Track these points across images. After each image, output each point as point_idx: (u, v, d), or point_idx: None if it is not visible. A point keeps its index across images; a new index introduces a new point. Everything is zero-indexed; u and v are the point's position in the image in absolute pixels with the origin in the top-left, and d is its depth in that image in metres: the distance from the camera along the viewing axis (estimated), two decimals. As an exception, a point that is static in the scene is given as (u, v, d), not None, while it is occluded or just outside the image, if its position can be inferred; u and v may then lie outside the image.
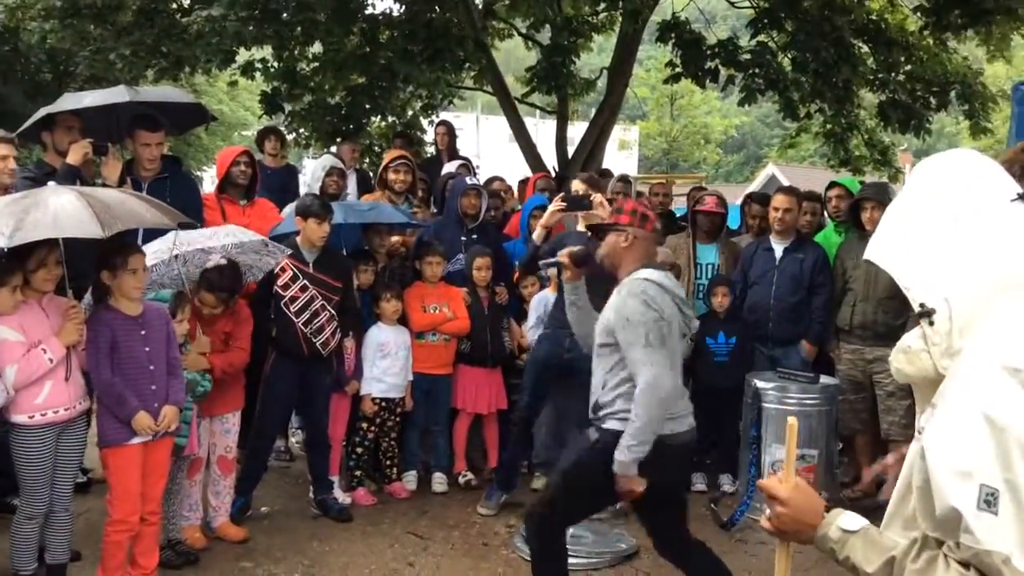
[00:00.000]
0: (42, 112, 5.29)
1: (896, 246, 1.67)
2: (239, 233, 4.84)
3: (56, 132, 5.13)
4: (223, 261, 4.64)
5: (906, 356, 1.63)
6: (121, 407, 3.82)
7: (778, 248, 6.03)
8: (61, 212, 3.48)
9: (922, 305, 1.57)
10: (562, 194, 5.65)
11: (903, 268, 1.63)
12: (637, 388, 3.41)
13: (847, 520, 1.66)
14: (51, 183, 3.89)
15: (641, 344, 3.41)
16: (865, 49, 9.61)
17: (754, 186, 26.47)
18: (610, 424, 3.56)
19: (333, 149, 9.28)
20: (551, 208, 5.37)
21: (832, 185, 6.63)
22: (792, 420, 1.86)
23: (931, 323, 1.56)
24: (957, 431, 1.42)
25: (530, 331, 5.75)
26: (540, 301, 5.75)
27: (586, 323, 3.83)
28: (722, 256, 6.35)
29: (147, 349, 3.91)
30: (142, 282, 3.92)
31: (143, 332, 3.90)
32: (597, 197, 5.30)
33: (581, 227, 5.44)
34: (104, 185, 4.93)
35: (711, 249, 6.39)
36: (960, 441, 1.41)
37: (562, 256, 3.77)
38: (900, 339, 1.68)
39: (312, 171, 6.45)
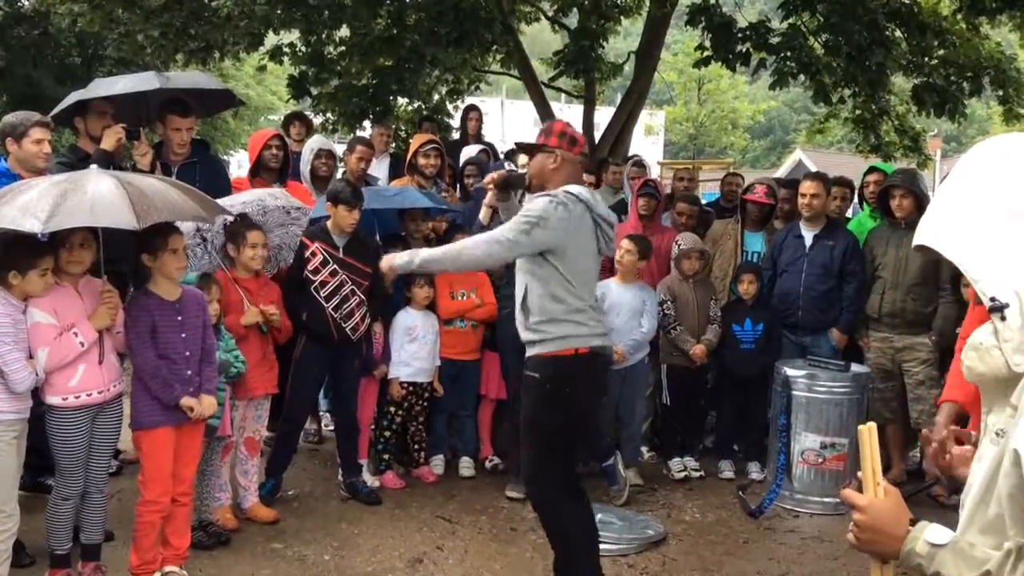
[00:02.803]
0: (74, 97, 5.33)
1: (957, 234, 1.58)
2: (258, 193, 4.90)
3: (89, 118, 5.18)
4: (231, 216, 4.64)
5: (978, 353, 1.56)
6: (167, 390, 3.87)
7: (808, 235, 5.98)
8: (99, 200, 3.47)
9: (993, 299, 1.49)
10: (504, 171, 5.61)
11: (969, 258, 1.54)
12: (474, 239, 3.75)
13: (934, 533, 1.58)
14: (94, 167, 3.90)
15: (512, 225, 3.62)
16: (898, 33, 9.48)
17: (781, 172, 26.31)
18: (537, 349, 3.71)
19: (362, 133, 9.27)
20: (485, 182, 5.35)
21: (871, 170, 6.56)
22: (863, 427, 1.75)
23: (1003, 318, 1.49)
24: None
25: None
26: (600, 288, 5.73)
27: None
28: (768, 245, 6.30)
29: (183, 335, 3.94)
30: (183, 262, 3.95)
31: (180, 318, 3.93)
32: None
33: (528, 201, 5.41)
34: (135, 169, 4.97)
35: (758, 237, 6.35)
36: None
37: (486, 182, 3.96)
38: (971, 336, 1.61)
39: (303, 152, 6.40)
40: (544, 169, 3.78)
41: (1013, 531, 1.43)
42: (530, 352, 3.75)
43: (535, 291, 3.69)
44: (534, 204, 3.65)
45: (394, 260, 3.70)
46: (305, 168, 6.25)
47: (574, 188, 3.71)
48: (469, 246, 3.68)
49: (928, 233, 1.63)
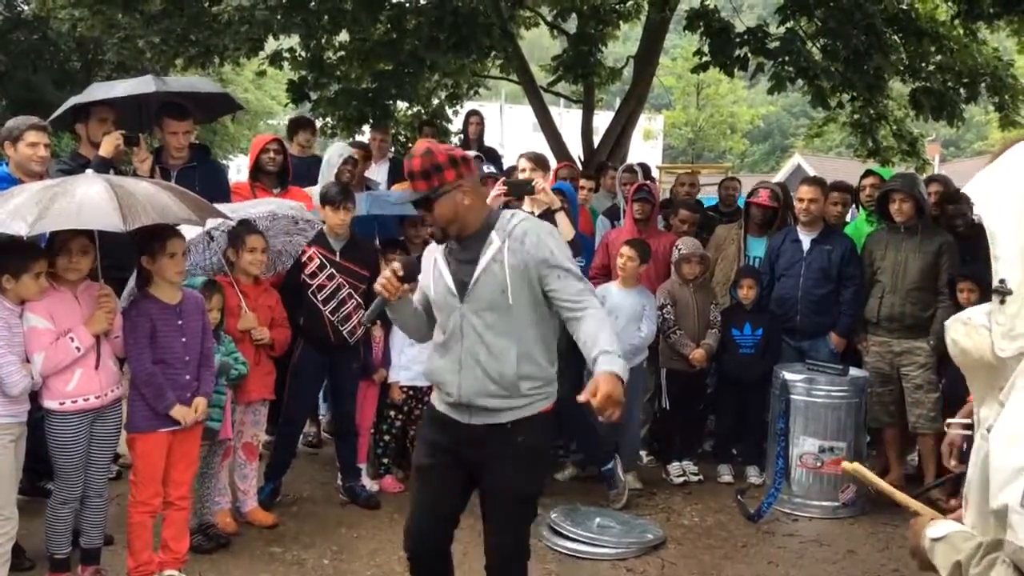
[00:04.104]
0: (72, 102, 5.34)
1: (1003, 207, 1.58)
2: (273, 203, 4.92)
3: (91, 124, 5.18)
4: (231, 221, 4.63)
5: (965, 328, 1.60)
6: (160, 399, 3.87)
7: (805, 240, 5.98)
8: (86, 202, 3.48)
9: (1002, 281, 1.52)
10: (503, 179, 5.61)
11: (1002, 233, 1.56)
12: (598, 315, 2.90)
13: (934, 529, 1.68)
14: (89, 170, 3.92)
15: (577, 278, 2.97)
16: (895, 39, 9.51)
17: (779, 176, 26.30)
18: (533, 410, 3.04)
19: (361, 137, 9.29)
20: (493, 192, 5.35)
21: (868, 173, 6.57)
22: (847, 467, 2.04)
23: (1002, 302, 1.52)
24: (1019, 427, 1.41)
25: None
26: (600, 292, 5.74)
27: (416, 324, 3.27)
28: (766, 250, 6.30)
29: (184, 340, 3.94)
30: (181, 266, 3.94)
31: (180, 322, 3.93)
32: (539, 182, 5.25)
33: (528, 206, 5.37)
34: (135, 175, 4.98)
35: (761, 243, 6.32)
36: (1020, 436, 1.40)
37: (383, 287, 3.06)
38: (963, 312, 1.65)
39: (328, 158, 6.39)
40: (459, 209, 2.98)
41: (983, 523, 1.48)
42: (518, 415, 3.03)
43: (538, 344, 3.03)
44: (551, 238, 3.00)
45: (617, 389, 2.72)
46: (331, 173, 6.21)
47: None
48: (606, 320, 2.92)
49: (979, 190, 1.64)
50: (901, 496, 1.90)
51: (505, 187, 5.29)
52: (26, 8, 17.21)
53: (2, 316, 3.63)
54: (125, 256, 4.09)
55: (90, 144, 5.17)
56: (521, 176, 5.51)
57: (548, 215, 5.28)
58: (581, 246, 5.88)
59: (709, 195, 9.67)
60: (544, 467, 3.32)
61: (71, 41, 16.58)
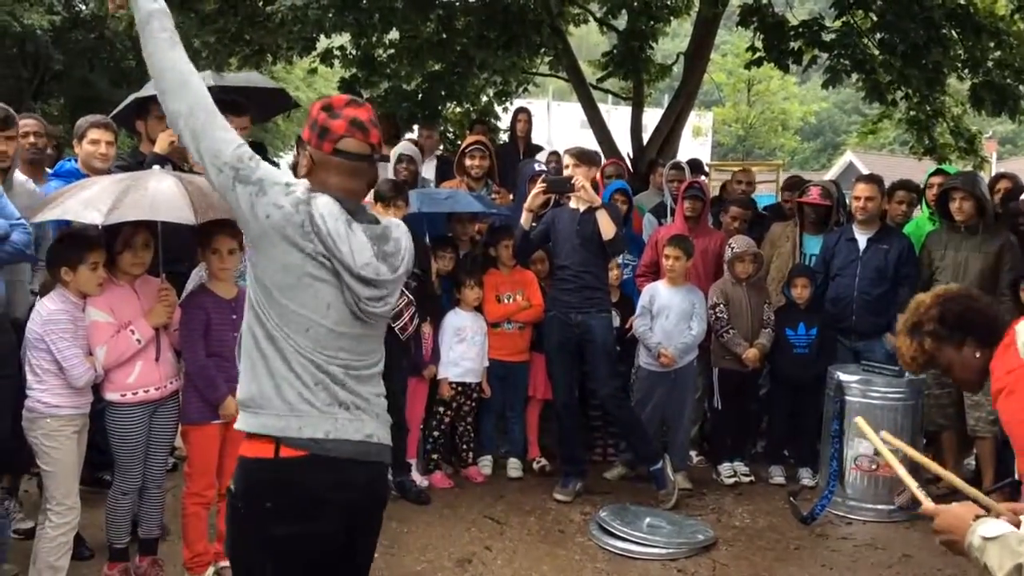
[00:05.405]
0: (132, 97, 5.43)
1: None
2: None
3: (150, 121, 5.24)
4: None
5: None
6: (212, 390, 3.92)
7: (861, 239, 5.88)
8: (159, 196, 3.58)
9: None
10: (544, 175, 5.60)
11: None
12: None
13: (988, 527, 1.69)
14: (156, 167, 4.02)
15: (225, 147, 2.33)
16: (953, 34, 9.31)
17: (831, 174, 25.98)
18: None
19: (410, 135, 9.33)
20: (534, 191, 5.34)
21: (937, 172, 6.46)
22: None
23: None
24: None
25: (637, 320, 5.73)
26: (647, 292, 5.74)
27: None
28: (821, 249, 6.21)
29: (235, 335, 3.99)
30: (227, 264, 3.96)
31: (235, 317, 3.97)
32: (579, 180, 5.21)
33: (574, 203, 5.40)
34: (191, 171, 5.04)
35: (817, 241, 6.22)
36: None
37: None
38: None
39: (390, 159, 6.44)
40: (297, 170, 2.49)
41: None
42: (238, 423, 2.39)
43: (249, 351, 2.36)
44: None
45: None
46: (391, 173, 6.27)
47: (322, 202, 2.30)
48: (180, 76, 2.42)
49: None
50: (933, 466, 1.91)
51: (544, 184, 5.29)
52: (84, 8, 17.58)
53: (66, 309, 3.71)
54: (181, 250, 4.16)
55: (149, 141, 5.25)
56: (565, 173, 5.49)
57: (589, 213, 5.27)
58: (628, 244, 5.88)
59: (760, 193, 9.55)
60: (244, 524, 2.35)
61: (127, 40, 16.87)
